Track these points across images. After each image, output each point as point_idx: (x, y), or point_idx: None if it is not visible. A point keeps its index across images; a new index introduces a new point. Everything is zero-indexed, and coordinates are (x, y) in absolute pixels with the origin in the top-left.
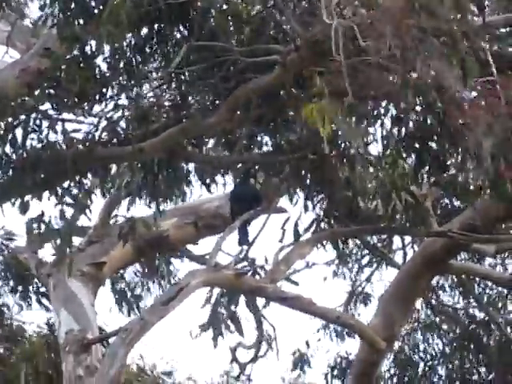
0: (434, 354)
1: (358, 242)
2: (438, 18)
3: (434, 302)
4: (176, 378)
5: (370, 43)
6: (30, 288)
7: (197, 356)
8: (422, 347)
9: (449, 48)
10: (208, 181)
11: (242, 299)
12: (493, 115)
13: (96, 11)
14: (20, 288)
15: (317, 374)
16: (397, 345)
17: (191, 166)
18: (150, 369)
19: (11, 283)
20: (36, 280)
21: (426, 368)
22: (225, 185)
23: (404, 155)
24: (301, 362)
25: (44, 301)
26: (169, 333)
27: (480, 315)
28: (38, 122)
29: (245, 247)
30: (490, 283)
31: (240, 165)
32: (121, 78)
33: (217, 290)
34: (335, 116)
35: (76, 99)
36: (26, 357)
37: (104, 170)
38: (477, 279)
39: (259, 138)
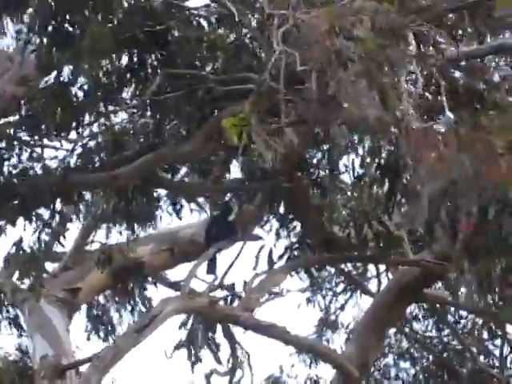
0: (406, 382)
1: (333, 269)
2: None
3: (407, 330)
4: None
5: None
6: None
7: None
8: (393, 373)
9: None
10: (180, 207)
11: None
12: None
13: (74, 38)
14: None
15: None
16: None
17: (164, 193)
18: None
19: None
20: (6, 304)
21: None
22: (197, 211)
23: (376, 184)
24: None
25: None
26: (142, 357)
27: (453, 344)
28: (14, 148)
29: (220, 274)
30: (464, 312)
31: (214, 192)
32: (97, 105)
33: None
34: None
35: (52, 126)
36: None
37: (78, 196)
38: (451, 308)
39: (232, 166)
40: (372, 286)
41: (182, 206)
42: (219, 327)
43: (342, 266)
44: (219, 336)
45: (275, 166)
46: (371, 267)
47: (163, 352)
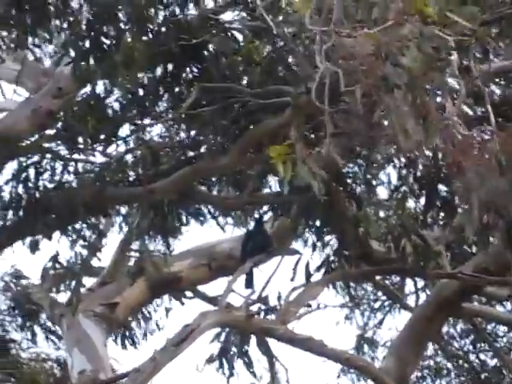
0: None
1: (370, 284)
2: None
3: (444, 346)
4: None
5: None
6: (37, 325)
7: None
8: None
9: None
10: (219, 221)
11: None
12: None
13: (109, 50)
14: (28, 324)
15: None
16: None
17: (202, 207)
18: None
19: (19, 319)
20: (44, 316)
21: None
22: (234, 226)
23: (413, 197)
24: None
25: (53, 338)
26: (176, 370)
27: (492, 361)
28: (50, 162)
29: (257, 288)
30: (504, 327)
31: (250, 205)
32: (133, 119)
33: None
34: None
35: (88, 140)
36: None
37: (114, 210)
38: (489, 324)
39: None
40: (410, 301)
41: (224, 220)
42: (253, 341)
43: (380, 281)
44: (254, 350)
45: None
46: (409, 283)
47: (194, 365)
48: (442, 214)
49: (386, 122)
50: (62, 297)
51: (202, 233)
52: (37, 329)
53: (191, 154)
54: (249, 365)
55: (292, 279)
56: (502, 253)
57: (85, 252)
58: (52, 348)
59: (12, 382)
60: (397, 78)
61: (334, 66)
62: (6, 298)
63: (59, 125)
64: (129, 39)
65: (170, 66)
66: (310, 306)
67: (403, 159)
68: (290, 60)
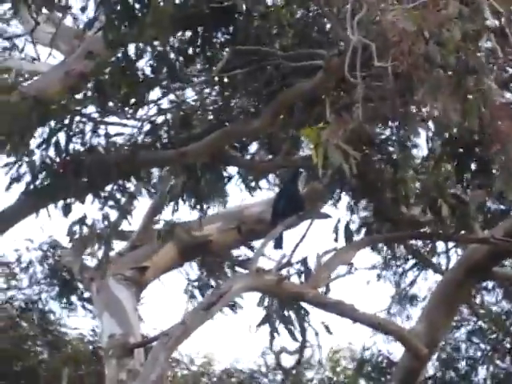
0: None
1: (402, 247)
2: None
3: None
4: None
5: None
6: (75, 295)
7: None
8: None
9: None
10: (251, 184)
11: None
12: None
13: (140, 14)
14: (65, 294)
15: None
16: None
17: (234, 170)
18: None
19: (56, 289)
20: (80, 286)
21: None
22: (266, 189)
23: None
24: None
25: (89, 306)
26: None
27: None
28: (81, 125)
29: (287, 252)
30: None
31: (283, 169)
32: (164, 82)
33: None
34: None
35: (119, 103)
36: (67, 361)
37: (147, 173)
38: None
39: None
40: (441, 261)
41: (256, 183)
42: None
43: (412, 243)
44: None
45: None
46: (440, 244)
47: (247, 327)
48: (476, 177)
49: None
50: (93, 261)
51: (231, 196)
52: (74, 298)
53: (223, 117)
54: (289, 328)
55: (336, 239)
56: None
57: (114, 214)
58: (89, 317)
59: (53, 352)
60: (441, 58)
61: (367, 37)
62: (44, 268)
63: (91, 87)
64: (159, 2)
65: (200, 29)
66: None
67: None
68: (322, 23)
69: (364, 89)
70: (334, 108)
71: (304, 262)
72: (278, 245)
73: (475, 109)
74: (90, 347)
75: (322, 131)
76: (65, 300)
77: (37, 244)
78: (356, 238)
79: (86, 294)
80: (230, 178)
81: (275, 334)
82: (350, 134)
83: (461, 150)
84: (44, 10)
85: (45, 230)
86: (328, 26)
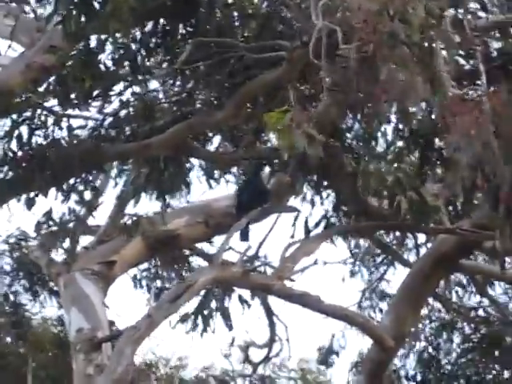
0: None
1: (370, 241)
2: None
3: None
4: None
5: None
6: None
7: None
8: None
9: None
10: (214, 177)
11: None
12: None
13: (99, 7)
14: (32, 286)
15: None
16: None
17: (197, 162)
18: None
19: (24, 282)
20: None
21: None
22: (229, 182)
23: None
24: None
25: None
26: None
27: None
28: (43, 118)
29: (254, 245)
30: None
31: (246, 161)
32: (126, 74)
33: None
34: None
35: (81, 96)
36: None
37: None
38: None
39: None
40: (411, 257)
41: (220, 176)
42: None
43: (380, 237)
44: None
45: None
46: (410, 239)
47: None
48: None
49: (386, 78)
50: (60, 256)
51: (196, 190)
52: (40, 289)
53: (186, 109)
54: (227, 319)
55: (292, 236)
56: None
57: (80, 209)
58: (56, 307)
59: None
60: (405, 35)
61: (332, 22)
62: (13, 260)
63: (53, 81)
64: None
65: (162, 21)
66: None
67: (400, 114)
68: (285, 14)
69: (329, 73)
70: (298, 97)
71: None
72: (245, 237)
73: (442, 85)
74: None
75: (285, 114)
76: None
77: (4, 236)
78: (316, 231)
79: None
80: (190, 169)
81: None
82: (314, 121)
83: (421, 141)
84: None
85: (12, 222)
86: (290, 16)
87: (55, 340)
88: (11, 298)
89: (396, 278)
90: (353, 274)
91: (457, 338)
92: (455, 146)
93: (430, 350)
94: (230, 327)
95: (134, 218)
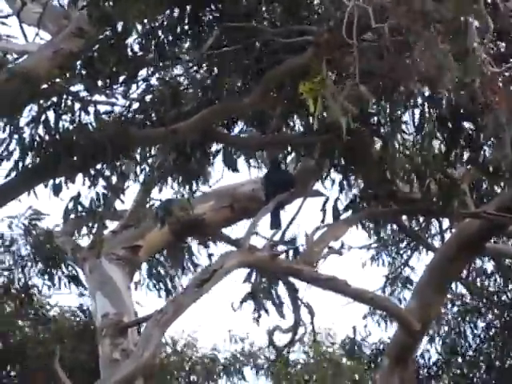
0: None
1: (396, 226)
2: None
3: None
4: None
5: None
6: (59, 271)
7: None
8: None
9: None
10: (242, 163)
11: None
12: None
13: None
14: (49, 270)
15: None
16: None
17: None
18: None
19: (40, 265)
20: (67, 263)
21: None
22: (257, 168)
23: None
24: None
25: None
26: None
27: None
28: (69, 103)
29: (280, 230)
30: None
31: (273, 146)
32: (153, 59)
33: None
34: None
35: (108, 80)
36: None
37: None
38: None
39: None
40: (436, 243)
41: (247, 161)
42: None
43: (405, 222)
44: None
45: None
46: (434, 223)
47: (230, 304)
48: (466, 153)
49: (418, 59)
50: (85, 241)
51: (222, 175)
52: (59, 275)
53: (213, 94)
54: (277, 306)
55: (322, 220)
56: None
57: (107, 194)
58: (74, 294)
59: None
60: (438, 13)
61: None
62: (27, 242)
63: (79, 65)
64: None
65: (188, 7)
66: (340, 251)
67: (428, 97)
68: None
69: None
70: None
71: (297, 238)
72: (275, 224)
73: (474, 65)
74: (75, 324)
75: (320, 85)
76: (47, 277)
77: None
78: (346, 214)
79: (73, 272)
80: (215, 155)
81: (263, 311)
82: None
83: (450, 125)
84: None
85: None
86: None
87: (76, 329)
88: (28, 283)
89: (420, 264)
90: (376, 259)
91: (480, 324)
92: (497, 123)
93: (453, 335)
94: (282, 315)
95: (165, 205)
